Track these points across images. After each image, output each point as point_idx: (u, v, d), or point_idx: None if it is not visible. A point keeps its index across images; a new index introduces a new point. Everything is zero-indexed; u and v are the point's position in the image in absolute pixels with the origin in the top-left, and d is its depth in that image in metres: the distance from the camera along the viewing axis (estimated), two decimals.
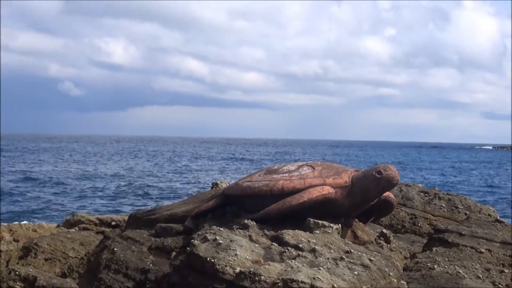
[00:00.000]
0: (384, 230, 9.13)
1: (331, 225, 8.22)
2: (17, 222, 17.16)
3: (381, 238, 8.73)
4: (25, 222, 17.12)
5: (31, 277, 7.84)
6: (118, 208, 42.16)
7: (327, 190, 8.16)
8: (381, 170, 8.17)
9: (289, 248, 7.72)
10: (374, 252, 8.13)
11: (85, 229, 11.78)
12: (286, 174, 8.62)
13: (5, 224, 13.10)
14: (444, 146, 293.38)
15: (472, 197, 18.01)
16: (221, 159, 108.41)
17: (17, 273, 7.93)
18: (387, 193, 8.70)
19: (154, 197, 48.62)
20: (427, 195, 12.04)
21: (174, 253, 8.59)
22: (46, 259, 10.07)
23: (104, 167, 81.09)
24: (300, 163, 9.08)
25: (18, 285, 7.76)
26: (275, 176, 8.70)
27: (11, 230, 11.98)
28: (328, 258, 7.46)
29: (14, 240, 11.65)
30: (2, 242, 11.24)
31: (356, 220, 8.96)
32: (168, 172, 74.07)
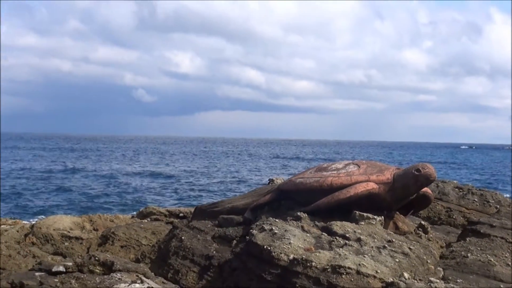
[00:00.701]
0: (422, 222, 9.42)
1: (375, 217, 8.64)
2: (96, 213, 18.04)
3: (419, 229, 9.05)
4: (100, 213, 17.94)
5: (109, 262, 8.02)
6: (187, 202, 43.39)
7: (371, 186, 8.59)
8: (420, 168, 8.53)
9: (337, 237, 8.16)
10: (413, 242, 8.48)
11: (156, 219, 12.08)
12: (335, 172, 9.06)
13: (85, 215, 13.73)
14: (478, 147, 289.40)
15: (503, 192, 18.22)
16: (280, 158, 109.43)
17: (96, 258, 8.11)
18: (425, 189, 9.04)
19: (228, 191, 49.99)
20: (461, 190, 12.24)
21: (235, 242, 8.99)
22: (121, 246, 10.54)
23: (184, 165, 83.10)
24: (346, 162, 9.46)
25: (97, 269, 7.92)
26: (325, 173, 9.13)
27: (91, 220, 12.37)
28: (372, 247, 7.90)
29: (94, 229, 11.98)
30: (83, 231, 11.62)
31: (397, 212, 9.27)
32: (237, 170, 75.44)
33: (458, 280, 7.45)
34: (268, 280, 7.74)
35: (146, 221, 11.72)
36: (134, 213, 14.21)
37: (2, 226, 12.24)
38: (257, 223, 8.87)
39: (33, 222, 12.57)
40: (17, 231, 11.41)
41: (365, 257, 7.52)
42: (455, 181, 12.85)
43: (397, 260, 7.68)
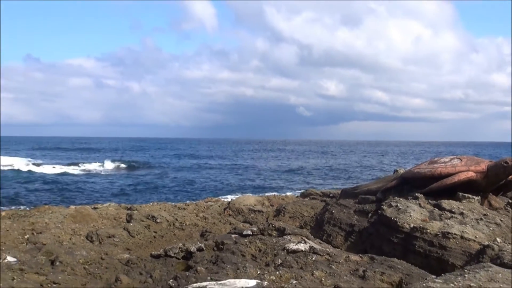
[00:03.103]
0: (510, 200, 10.06)
1: (474, 197, 9.43)
2: (267, 193, 19.32)
3: (508, 206, 9.75)
4: (275, 193, 18.79)
5: (281, 228, 8.80)
6: (338, 184, 45.08)
7: (471, 174, 9.33)
8: (508, 161, 9.25)
9: (445, 212, 9.09)
10: (504, 215, 9.21)
11: (313, 198, 12.82)
12: (443, 164, 9.81)
13: (264, 194, 14.76)
14: None
15: None
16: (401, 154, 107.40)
17: (273, 225, 8.98)
18: (511, 176, 9.63)
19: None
20: None
21: (370, 214, 9.84)
22: (290, 217, 11.38)
23: (342, 160, 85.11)
24: (452, 156, 10.17)
25: (273, 233, 8.72)
26: (435, 165, 9.88)
27: (268, 199, 13.40)
28: (471, 219, 8.76)
29: (270, 205, 12.93)
30: (263, 206, 12.63)
31: (491, 193, 9.89)
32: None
33: None
34: (394, 242, 8.75)
35: (307, 199, 12.46)
36: (299, 193, 14.87)
37: (208, 202, 13.50)
38: (386, 201, 9.77)
39: (229, 200, 13.75)
40: (219, 206, 12.65)
41: (466, 226, 8.43)
42: None
43: (491, 228, 8.49)
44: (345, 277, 6.98)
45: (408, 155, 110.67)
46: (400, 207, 9.36)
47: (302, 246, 7.98)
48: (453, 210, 9.09)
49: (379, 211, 9.55)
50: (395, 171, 11.57)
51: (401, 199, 9.73)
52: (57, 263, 7.83)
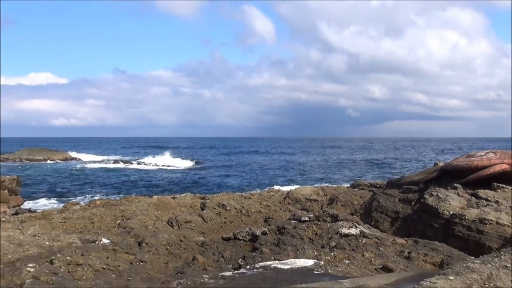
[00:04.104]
0: None
1: (508, 187, 9.10)
2: (321, 184, 19.25)
3: None
4: (321, 184, 18.74)
5: (334, 214, 8.98)
6: (383, 176, 44.62)
7: (505, 166, 9.07)
8: None
9: (482, 200, 8.83)
10: None
11: (362, 189, 12.57)
12: (479, 157, 9.58)
13: (318, 185, 14.71)
14: None
15: None
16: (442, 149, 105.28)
17: (327, 212, 9.18)
18: None
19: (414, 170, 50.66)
20: None
21: (413, 202, 9.65)
22: (342, 205, 11.28)
23: (387, 155, 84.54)
24: (487, 150, 9.90)
25: (328, 219, 8.82)
26: (472, 158, 9.67)
27: (322, 189, 13.11)
28: (506, 206, 8.48)
29: (324, 194, 12.65)
30: (318, 195, 12.42)
31: None
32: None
33: None
34: (436, 227, 8.62)
35: (356, 189, 12.29)
36: (348, 184, 14.70)
37: (270, 192, 13.57)
38: (428, 191, 9.59)
39: (288, 190, 13.53)
40: (279, 196, 12.59)
41: (501, 213, 8.21)
42: None
43: None
44: (392, 258, 6.96)
45: (446, 149, 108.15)
46: (440, 196, 9.20)
47: (353, 231, 7.97)
48: (488, 198, 8.84)
49: (422, 200, 9.39)
50: (435, 164, 11.35)
51: (441, 189, 9.52)
52: (144, 244, 8.02)
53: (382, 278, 5.47)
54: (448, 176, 10.02)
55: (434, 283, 3.82)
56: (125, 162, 65.34)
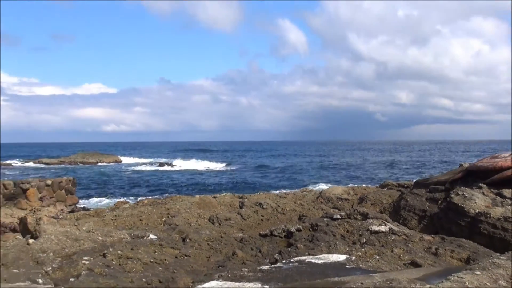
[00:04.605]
0: None
1: None
2: (351, 184, 18.97)
3: None
4: (351, 185, 18.44)
5: (365, 213, 8.71)
6: (410, 176, 44.05)
7: None
8: None
9: (506, 199, 8.69)
10: None
11: (390, 188, 12.37)
12: (503, 158, 9.41)
13: (349, 185, 14.34)
14: None
15: None
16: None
17: (357, 211, 8.96)
18: None
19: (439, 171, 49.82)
20: None
21: (440, 201, 9.56)
22: (371, 204, 11.18)
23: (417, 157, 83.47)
24: (511, 152, 9.74)
25: (358, 217, 8.61)
26: (496, 159, 9.50)
27: (353, 189, 12.90)
28: None
29: (355, 194, 12.48)
30: (349, 195, 12.30)
31: None
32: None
33: None
34: (462, 225, 8.50)
35: (385, 189, 12.13)
36: (378, 184, 14.46)
37: (303, 192, 13.47)
38: (454, 190, 9.45)
39: (320, 190, 13.53)
40: (312, 195, 12.50)
41: None
42: None
43: None
44: (420, 254, 6.88)
45: (470, 151, 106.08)
46: (466, 195, 9.07)
47: (383, 228, 7.89)
48: None
49: (448, 199, 9.26)
50: (461, 165, 11.12)
51: (466, 188, 9.37)
52: (187, 240, 8.08)
53: (411, 272, 5.42)
54: (473, 176, 9.85)
55: (462, 278, 3.74)
56: (169, 164, 66.06)
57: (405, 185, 12.37)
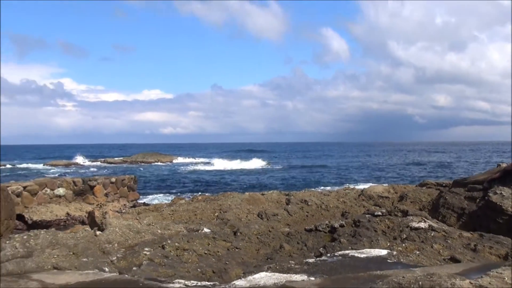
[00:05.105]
0: None
1: None
2: (391, 183, 18.58)
3: None
4: (391, 183, 18.05)
5: (405, 210, 8.71)
6: (449, 176, 42.90)
7: None
8: None
9: None
10: None
11: (429, 187, 11.99)
12: None
13: (389, 184, 14.07)
14: None
15: None
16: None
17: (398, 208, 8.90)
18: None
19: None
20: None
21: (478, 200, 9.27)
22: (411, 202, 10.81)
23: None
24: None
25: (398, 214, 8.53)
26: None
27: (393, 187, 12.64)
28: None
29: (395, 192, 12.17)
30: (389, 193, 12.04)
31: None
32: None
33: None
34: (500, 223, 8.23)
35: (424, 188, 11.80)
36: (417, 183, 14.01)
37: (346, 190, 13.23)
38: (492, 189, 9.15)
39: (362, 188, 13.15)
40: (354, 193, 12.36)
41: None
42: None
43: None
44: (459, 250, 6.71)
45: (507, 152, 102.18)
46: (504, 194, 8.76)
47: (422, 224, 7.71)
48: None
49: (486, 197, 8.96)
50: (498, 165, 10.75)
51: (504, 187, 9.02)
52: (238, 233, 8.15)
53: (450, 267, 5.31)
54: (511, 176, 9.53)
55: (501, 273, 3.63)
56: (220, 163, 66.71)
57: (444, 184, 12.04)
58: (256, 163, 68.15)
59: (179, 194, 28.22)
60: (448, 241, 7.00)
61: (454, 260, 6.28)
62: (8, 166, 58.29)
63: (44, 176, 34.61)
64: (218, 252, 7.05)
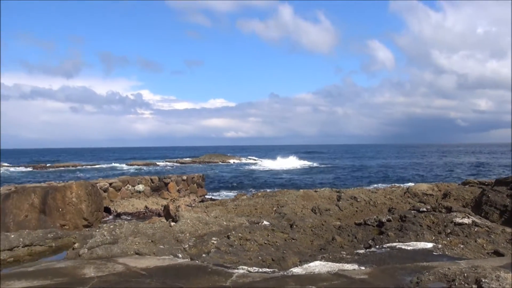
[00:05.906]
0: None
1: None
2: (436, 182, 17.85)
3: None
4: (435, 182, 17.33)
5: (448, 206, 8.39)
6: (490, 176, 40.73)
7: None
8: None
9: None
10: None
11: (472, 186, 11.38)
12: None
13: (433, 182, 13.61)
14: None
15: None
16: None
17: (442, 205, 8.66)
18: None
19: None
20: None
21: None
22: (454, 199, 10.25)
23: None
24: None
25: (443, 210, 8.27)
26: None
27: (437, 186, 11.94)
28: None
29: (439, 190, 11.52)
30: (433, 191, 11.46)
31: None
32: None
33: None
34: None
35: (467, 186, 11.32)
36: (460, 181, 13.23)
37: (392, 188, 12.77)
38: None
39: (408, 186, 12.77)
40: (400, 191, 11.88)
41: None
42: None
43: None
44: (502, 244, 6.37)
45: None
46: None
47: (466, 220, 7.43)
48: None
49: None
50: None
51: None
52: (294, 226, 8.13)
53: (494, 261, 5.05)
54: None
55: None
56: (278, 164, 66.78)
57: (486, 183, 11.43)
58: (309, 163, 67.70)
59: (241, 190, 28.46)
60: (491, 236, 6.71)
61: (497, 254, 5.98)
62: (96, 166, 61.10)
63: (126, 174, 35.96)
64: (276, 242, 7.06)
